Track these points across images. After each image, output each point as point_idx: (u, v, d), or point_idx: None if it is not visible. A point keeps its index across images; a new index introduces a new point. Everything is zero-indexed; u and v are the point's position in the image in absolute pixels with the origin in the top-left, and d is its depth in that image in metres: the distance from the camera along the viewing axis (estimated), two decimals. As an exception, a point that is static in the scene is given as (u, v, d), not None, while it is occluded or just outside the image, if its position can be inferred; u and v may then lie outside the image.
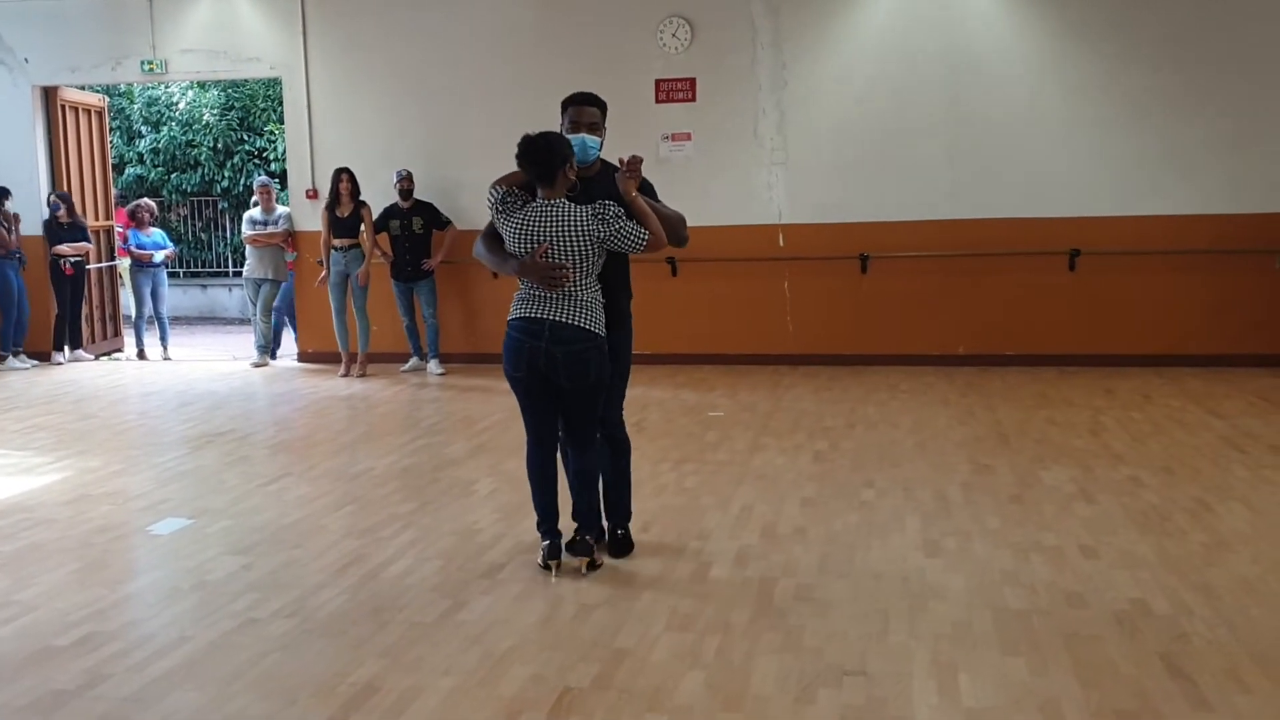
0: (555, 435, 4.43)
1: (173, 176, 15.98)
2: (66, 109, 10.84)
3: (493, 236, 4.38)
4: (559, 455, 4.49)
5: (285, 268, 10.31)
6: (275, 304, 10.34)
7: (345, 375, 9.50)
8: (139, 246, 10.91)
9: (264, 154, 15.84)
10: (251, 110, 15.95)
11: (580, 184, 4.29)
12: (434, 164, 9.78)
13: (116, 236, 11.54)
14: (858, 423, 7.09)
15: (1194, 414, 7.12)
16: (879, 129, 9.14)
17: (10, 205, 10.15)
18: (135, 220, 11.00)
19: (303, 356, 10.38)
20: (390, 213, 9.51)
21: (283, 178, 11.98)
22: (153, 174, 15.99)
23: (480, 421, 7.41)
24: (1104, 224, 8.92)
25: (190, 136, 15.90)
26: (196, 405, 8.32)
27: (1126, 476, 5.64)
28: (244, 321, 13.48)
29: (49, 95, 10.70)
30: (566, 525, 4.46)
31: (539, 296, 4.23)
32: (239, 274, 12.91)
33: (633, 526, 4.67)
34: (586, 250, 4.18)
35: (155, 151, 15.97)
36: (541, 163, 4.16)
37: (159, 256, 11.00)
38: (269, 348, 10.37)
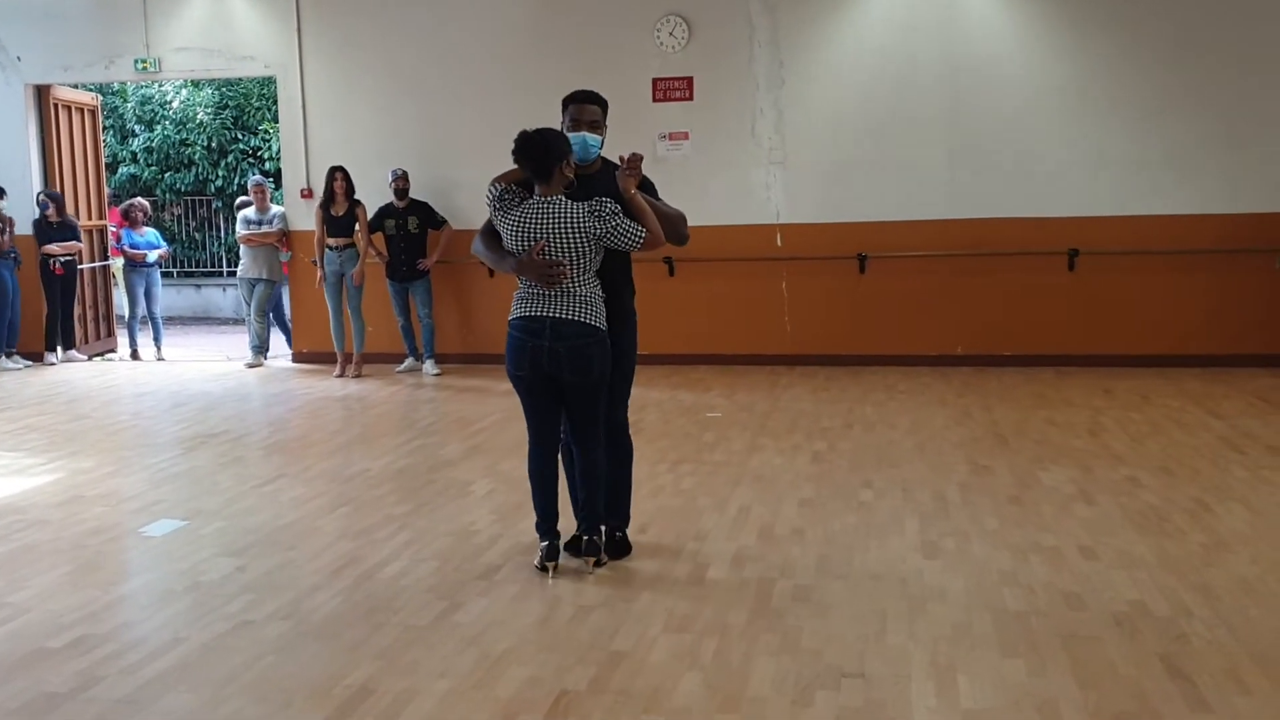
0: (558, 436, 4.41)
1: (166, 176, 15.94)
2: (59, 108, 10.80)
3: (491, 233, 4.37)
4: (560, 456, 4.47)
5: (280, 268, 10.27)
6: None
7: (340, 376, 9.47)
8: (132, 246, 10.86)
9: (258, 153, 15.81)
10: (246, 109, 15.91)
11: (581, 182, 4.28)
12: (429, 163, 9.75)
13: (110, 236, 11.49)
14: (855, 423, 7.07)
15: (1193, 414, 7.11)
16: (877, 128, 9.12)
17: (6, 205, 10.11)
18: (129, 220, 10.97)
19: (297, 357, 10.35)
20: (385, 212, 9.47)
21: (277, 177, 11.95)
22: (146, 173, 15.94)
23: (476, 422, 7.38)
24: (1103, 224, 8.91)
25: (184, 135, 15.86)
26: (190, 406, 8.29)
27: (1125, 477, 5.63)
28: (238, 322, 13.43)
29: (42, 94, 10.65)
30: (565, 527, 4.44)
31: (538, 295, 4.21)
32: (233, 274, 12.86)
33: (630, 528, 4.65)
34: (583, 247, 4.17)
35: (149, 150, 15.92)
36: (537, 159, 4.14)
37: (152, 256, 10.95)
38: (264, 348, 10.33)
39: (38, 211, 10.39)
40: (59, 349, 10.61)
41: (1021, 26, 8.92)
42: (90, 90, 11.60)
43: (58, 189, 10.59)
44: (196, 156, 15.79)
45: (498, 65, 9.63)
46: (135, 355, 10.86)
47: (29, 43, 10.42)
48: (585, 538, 4.40)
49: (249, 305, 10.26)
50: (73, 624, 3.93)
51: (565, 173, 4.19)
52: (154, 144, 15.86)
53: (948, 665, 3.46)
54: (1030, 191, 8.96)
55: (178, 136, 15.86)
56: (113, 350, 11.32)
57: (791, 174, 9.31)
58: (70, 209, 10.70)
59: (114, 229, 11.48)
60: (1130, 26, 8.74)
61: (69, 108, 10.97)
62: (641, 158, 4.28)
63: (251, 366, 10.11)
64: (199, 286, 15.85)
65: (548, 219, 4.17)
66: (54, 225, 10.37)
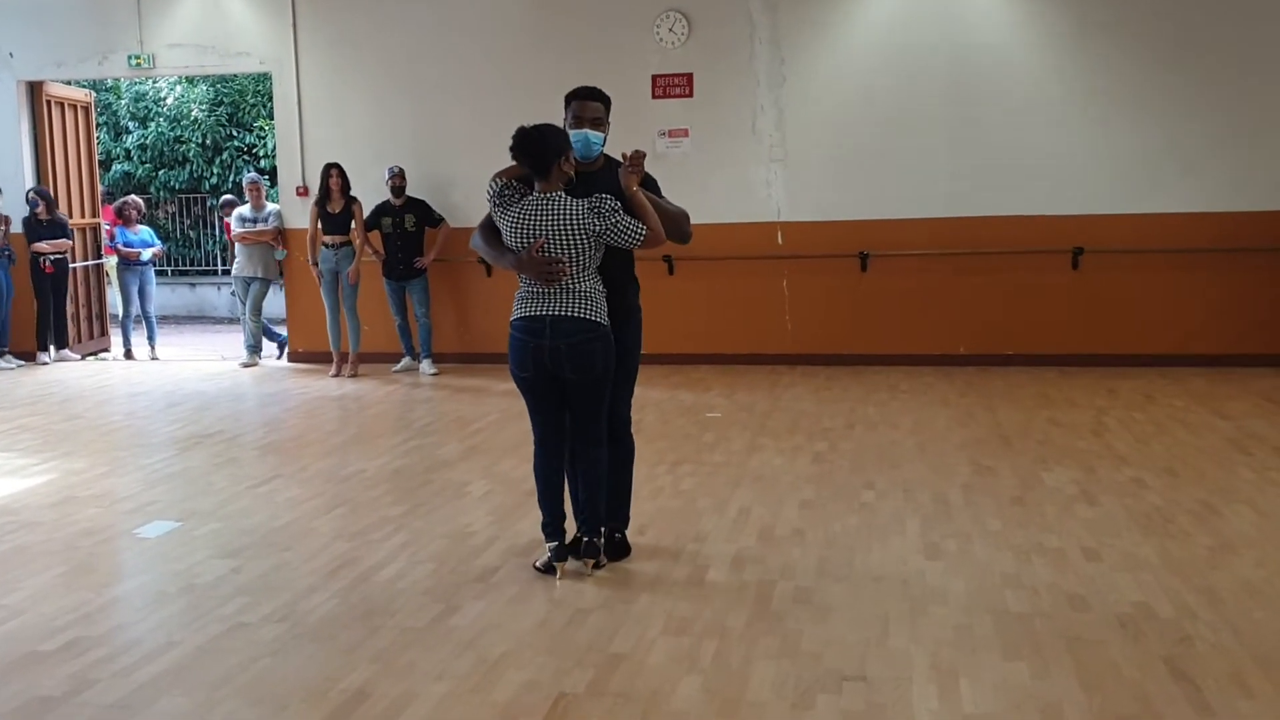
0: (562, 436, 4.37)
1: (160, 173, 15.89)
2: (52, 104, 10.73)
3: (490, 228, 4.34)
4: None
5: (275, 266, 10.22)
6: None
7: (336, 375, 9.42)
8: (126, 244, 10.81)
9: (253, 150, 15.76)
10: (241, 106, 15.86)
11: (584, 179, 4.25)
12: (426, 160, 9.70)
13: (103, 234, 11.43)
14: (857, 423, 7.04)
15: (1198, 415, 7.07)
16: (879, 125, 9.07)
17: (1, 203, 10.05)
18: (122, 218, 10.90)
19: (293, 356, 10.30)
20: (382, 210, 9.42)
21: (272, 174, 11.90)
22: (140, 171, 15.89)
23: (474, 422, 7.34)
24: (1107, 222, 8.86)
25: (178, 132, 15.81)
26: (185, 406, 8.24)
27: (1129, 478, 5.59)
28: (233, 321, 13.39)
29: (34, 90, 10.59)
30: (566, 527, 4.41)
31: (538, 293, 4.18)
32: (228, 272, 12.82)
33: (629, 529, 4.61)
34: (583, 244, 4.13)
35: (143, 148, 15.87)
36: (535, 155, 4.11)
37: (146, 254, 10.90)
38: (259, 347, 10.28)
39: (27, 209, 10.33)
40: (52, 348, 10.56)
41: (1024, 24, 8.87)
42: (83, 87, 11.54)
43: (50, 187, 10.53)
44: (191, 154, 15.75)
45: (495, 61, 9.58)
46: (129, 355, 10.81)
47: (21, 38, 10.36)
48: (585, 539, 4.36)
49: (244, 304, 10.21)
50: (66, 627, 3.89)
51: (564, 169, 4.15)
52: (148, 141, 15.80)
53: (950, 668, 3.43)
54: (1033, 189, 8.91)
55: (172, 133, 15.81)
56: (106, 349, 11.26)
57: (792, 171, 9.27)
58: (63, 207, 10.64)
59: (108, 227, 11.42)
60: (1134, 23, 8.69)
61: (62, 104, 10.91)
62: (644, 155, 4.25)
63: (246, 366, 10.05)
64: (193, 285, 15.79)
65: (547, 215, 4.13)
66: (44, 223, 10.30)
